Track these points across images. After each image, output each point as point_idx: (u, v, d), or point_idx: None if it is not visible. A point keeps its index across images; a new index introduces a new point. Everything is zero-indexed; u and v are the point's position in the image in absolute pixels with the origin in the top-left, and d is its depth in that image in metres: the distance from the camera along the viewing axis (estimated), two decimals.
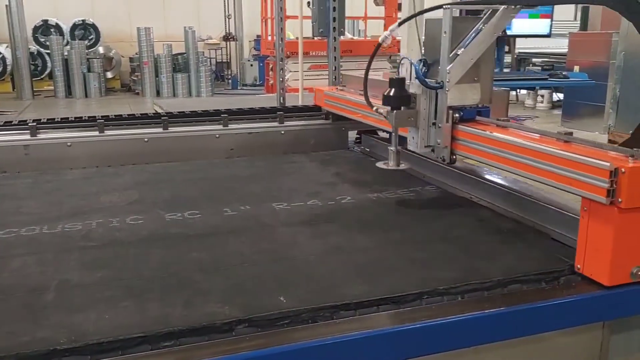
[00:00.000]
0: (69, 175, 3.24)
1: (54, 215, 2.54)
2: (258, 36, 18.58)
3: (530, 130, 2.36)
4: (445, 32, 2.43)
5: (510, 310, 1.77)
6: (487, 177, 2.89)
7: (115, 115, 3.85)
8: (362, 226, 2.45)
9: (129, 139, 3.54)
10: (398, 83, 2.58)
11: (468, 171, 2.98)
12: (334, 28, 4.51)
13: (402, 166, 2.77)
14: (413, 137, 2.67)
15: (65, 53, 17.13)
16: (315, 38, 9.56)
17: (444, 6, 2.45)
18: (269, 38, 14.45)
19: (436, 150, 2.60)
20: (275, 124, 3.92)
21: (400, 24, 2.68)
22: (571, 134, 2.10)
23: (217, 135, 3.74)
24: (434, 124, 2.56)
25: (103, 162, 3.43)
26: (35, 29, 17.85)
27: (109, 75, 18.64)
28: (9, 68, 17.00)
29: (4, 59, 16.89)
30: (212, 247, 2.23)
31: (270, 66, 15.09)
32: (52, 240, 2.27)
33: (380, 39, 2.66)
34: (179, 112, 4.23)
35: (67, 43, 17.68)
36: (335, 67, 4.52)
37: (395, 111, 2.56)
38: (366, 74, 2.75)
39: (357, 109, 3.49)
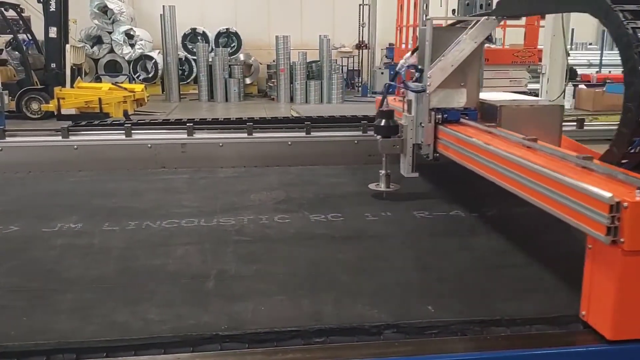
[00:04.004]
0: (221, 173, 3.46)
1: (210, 209, 2.73)
2: (390, 44, 18.61)
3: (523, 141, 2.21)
4: (427, 41, 2.75)
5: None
6: None
7: (262, 118, 4.06)
8: (510, 240, 2.36)
9: (274, 142, 3.71)
10: (387, 114, 2.93)
11: None
12: None
13: (392, 188, 3.00)
14: (402, 162, 2.97)
15: (210, 59, 18.30)
16: None
17: (426, 18, 2.79)
18: (403, 46, 14.42)
19: (423, 148, 2.87)
20: None
21: (412, 53, 3.06)
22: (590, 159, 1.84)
23: (356, 141, 3.80)
24: (420, 124, 2.84)
25: (250, 163, 3.62)
26: (184, 37, 19.26)
27: (248, 81, 19.63)
28: (159, 72, 18.51)
29: (156, 64, 18.41)
30: (357, 250, 2.27)
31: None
32: (209, 232, 2.43)
33: (397, 67, 3.09)
34: (318, 116, 4.36)
35: (212, 50, 18.89)
36: None
37: (382, 139, 2.90)
38: (382, 99, 3.01)
39: None
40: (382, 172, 3.00)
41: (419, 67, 2.86)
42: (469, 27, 2.77)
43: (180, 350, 1.56)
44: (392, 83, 3.12)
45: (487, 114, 2.83)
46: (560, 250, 2.23)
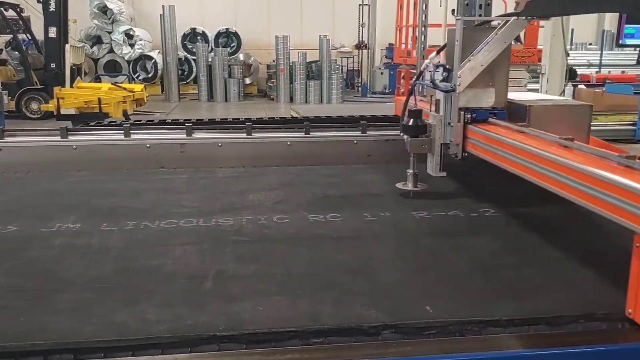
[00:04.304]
0: (220, 173, 3.46)
1: (209, 209, 2.72)
2: (390, 44, 18.62)
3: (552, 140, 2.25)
4: (457, 41, 2.74)
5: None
6: None
7: (259, 119, 4.06)
8: (508, 242, 2.36)
9: (273, 142, 3.71)
10: (415, 114, 2.94)
11: None
12: None
13: (420, 187, 3.01)
14: (430, 162, 2.98)
15: (210, 59, 18.30)
16: None
17: (456, 18, 2.84)
18: (403, 46, 14.42)
19: (450, 147, 2.89)
20: None
21: (438, 52, 3.08)
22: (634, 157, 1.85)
23: (355, 142, 3.80)
24: (449, 123, 2.85)
25: (249, 163, 3.62)
26: (184, 37, 19.25)
27: (247, 81, 19.62)
28: (159, 72, 18.50)
29: (156, 64, 18.40)
30: (356, 250, 2.26)
31: (402, 74, 15.06)
32: (208, 232, 2.43)
33: (422, 67, 3.10)
34: (316, 117, 4.36)
35: (212, 50, 18.89)
36: None
37: (411, 139, 2.92)
38: (407, 100, 3.01)
39: None
40: (410, 171, 3.00)
41: (447, 66, 2.86)
42: (498, 27, 2.77)
43: (178, 351, 1.56)
44: (419, 82, 3.13)
45: (515, 113, 2.84)
46: (556, 254, 2.24)
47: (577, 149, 2.10)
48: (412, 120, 2.95)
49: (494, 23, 2.95)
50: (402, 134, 3.02)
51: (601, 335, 1.66)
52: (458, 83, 2.75)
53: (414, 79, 3.21)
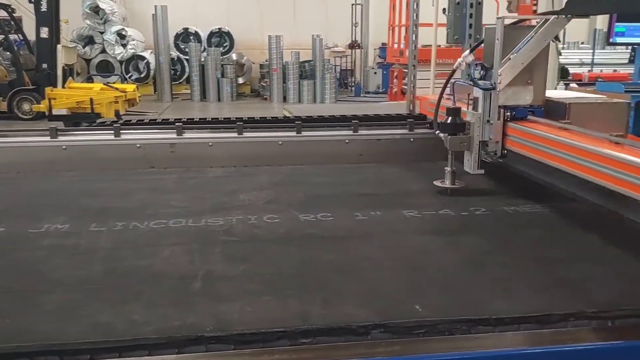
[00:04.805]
0: (210, 173, 3.44)
1: (199, 209, 2.71)
2: (383, 44, 18.64)
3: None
4: (497, 39, 2.76)
5: None
6: None
7: (250, 118, 4.04)
8: (499, 239, 2.36)
9: (264, 141, 3.69)
10: (454, 112, 2.94)
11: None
12: (470, 35, 4.41)
13: (457, 184, 3.00)
14: (468, 159, 2.99)
15: (202, 59, 18.25)
16: (442, 46, 9.38)
17: (497, 17, 2.84)
18: (395, 46, 14.43)
19: (489, 145, 2.91)
20: (405, 131, 3.90)
21: (472, 51, 3.10)
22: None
23: (347, 141, 3.79)
24: (488, 121, 2.87)
25: (240, 162, 3.60)
26: (177, 37, 19.19)
27: (240, 80, 19.58)
28: (152, 72, 18.44)
29: (148, 64, 18.34)
30: (346, 249, 2.25)
31: (395, 74, 15.07)
32: (197, 233, 2.41)
33: (455, 65, 3.11)
34: (307, 116, 4.34)
35: (204, 50, 18.83)
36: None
37: (450, 136, 2.92)
38: (439, 99, 3.08)
39: None
40: (448, 169, 3.01)
41: (485, 64, 2.89)
42: (537, 26, 2.79)
43: (166, 352, 1.54)
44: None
45: (554, 111, 2.87)
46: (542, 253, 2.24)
47: (630, 145, 2.13)
48: (450, 118, 2.96)
49: (532, 22, 2.98)
50: (437, 132, 3.05)
51: (590, 334, 1.66)
52: (499, 81, 2.78)
53: (447, 78, 3.21)
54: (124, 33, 17.88)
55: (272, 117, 4.43)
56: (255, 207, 2.75)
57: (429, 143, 3.73)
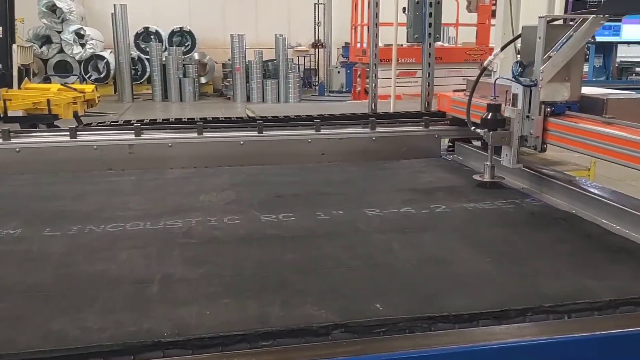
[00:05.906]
0: (170, 174, 3.38)
1: (157, 212, 2.65)
2: (346, 43, 18.69)
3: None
4: (539, 38, 2.83)
5: (622, 334, 1.65)
6: (592, 190, 2.74)
7: (212, 118, 3.99)
8: (459, 237, 2.38)
9: (225, 142, 3.64)
10: (495, 108, 3.02)
11: (570, 183, 2.86)
12: (430, 34, 4.45)
13: (497, 179, 3.09)
14: (506, 155, 3.05)
15: (164, 59, 17.99)
16: (404, 45, 9.46)
17: (539, 16, 2.89)
18: (358, 45, 14.50)
19: (529, 140, 2.97)
20: (367, 130, 3.90)
21: (503, 48, 3.22)
22: None
23: (309, 140, 3.77)
24: (527, 116, 2.94)
25: (201, 163, 3.55)
26: (137, 36, 18.85)
27: (203, 80, 19.38)
28: (111, 72, 18.09)
29: (108, 64, 17.98)
30: (307, 249, 2.24)
31: (358, 73, 15.14)
32: (155, 235, 2.36)
33: (485, 63, 3.20)
34: (272, 116, 4.31)
35: (165, 49, 18.56)
36: (429, 74, 4.45)
37: (491, 132, 2.99)
38: (470, 96, 3.13)
39: None
40: (487, 163, 3.09)
41: (523, 62, 2.96)
42: (576, 25, 2.85)
43: (121, 359, 1.50)
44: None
45: (589, 106, 2.94)
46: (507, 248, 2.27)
47: None
48: (491, 114, 3.02)
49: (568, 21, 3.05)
50: (473, 128, 3.14)
51: (547, 327, 1.68)
52: (540, 78, 2.85)
53: (477, 76, 3.29)
54: (82, 32, 17.47)
55: (237, 118, 4.37)
56: (215, 208, 2.71)
57: (392, 141, 3.76)
